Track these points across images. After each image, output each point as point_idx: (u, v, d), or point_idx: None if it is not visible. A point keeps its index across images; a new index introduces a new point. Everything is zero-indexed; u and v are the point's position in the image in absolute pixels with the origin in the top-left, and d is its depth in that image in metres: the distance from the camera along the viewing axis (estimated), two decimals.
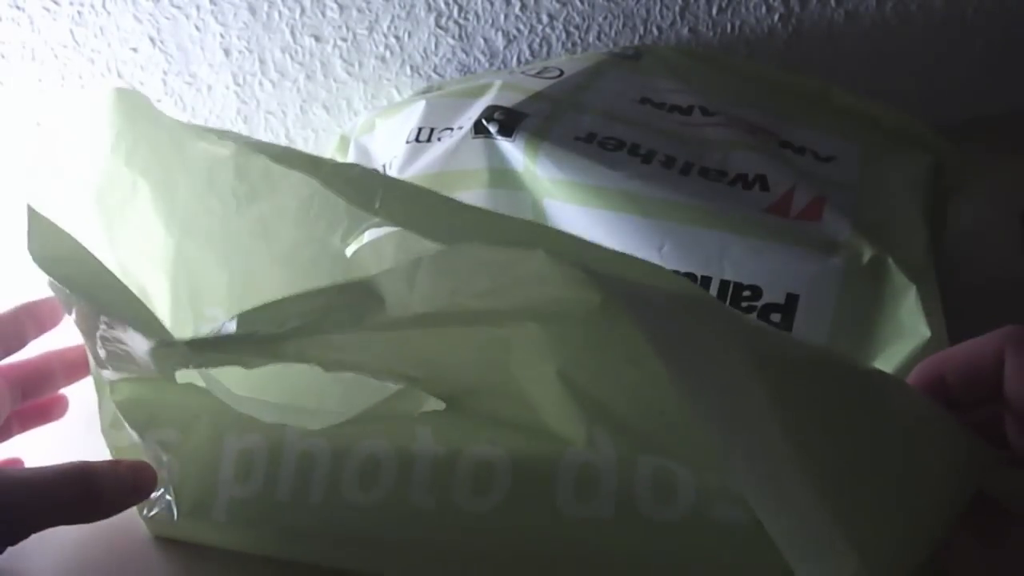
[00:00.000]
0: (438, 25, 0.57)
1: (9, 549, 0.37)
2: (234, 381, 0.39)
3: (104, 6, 0.53)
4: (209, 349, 0.32)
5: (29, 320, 0.43)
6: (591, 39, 0.58)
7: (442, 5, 0.56)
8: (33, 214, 0.37)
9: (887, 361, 0.37)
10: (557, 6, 0.57)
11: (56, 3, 0.53)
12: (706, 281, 0.40)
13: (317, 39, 0.56)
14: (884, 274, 0.37)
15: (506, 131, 0.44)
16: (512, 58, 0.58)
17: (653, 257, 0.40)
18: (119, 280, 0.36)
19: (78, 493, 0.37)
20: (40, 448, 0.47)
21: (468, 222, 0.32)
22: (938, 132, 0.48)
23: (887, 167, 0.45)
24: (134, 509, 0.41)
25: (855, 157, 0.45)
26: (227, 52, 0.56)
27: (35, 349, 0.45)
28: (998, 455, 0.29)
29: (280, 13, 0.55)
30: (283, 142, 0.60)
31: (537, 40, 0.58)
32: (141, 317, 0.34)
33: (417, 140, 0.47)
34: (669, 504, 0.34)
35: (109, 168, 0.43)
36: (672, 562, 0.34)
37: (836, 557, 0.26)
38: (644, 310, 0.26)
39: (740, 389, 0.26)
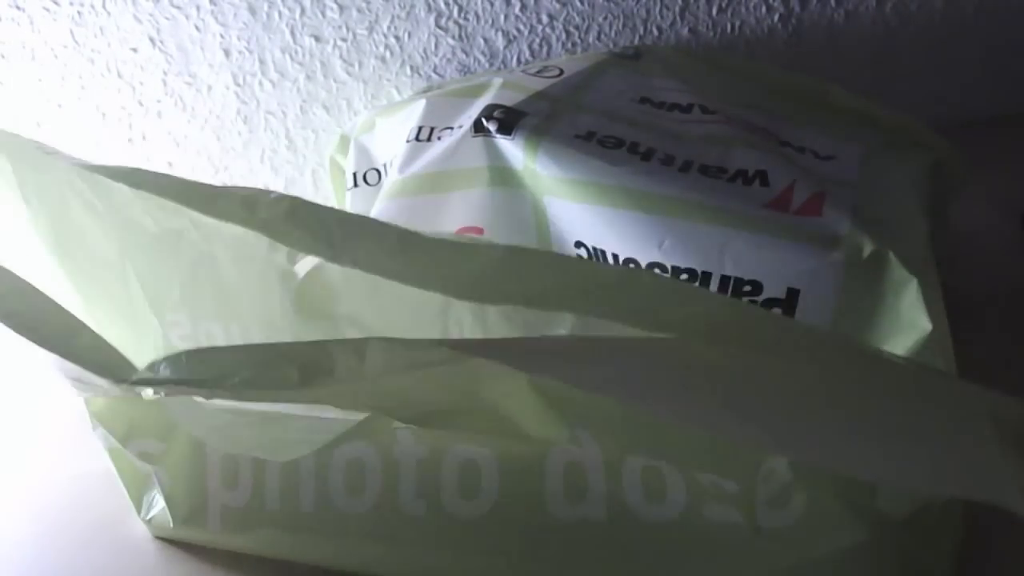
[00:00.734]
0: (438, 25, 0.57)
1: (9, 549, 0.37)
2: None
3: (104, 6, 0.53)
4: (159, 386, 0.31)
5: None
6: (591, 39, 0.58)
7: (442, 5, 0.56)
8: None
9: None
10: (557, 6, 0.57)
11: (56, 3, 0.53)
12: (707, 277, 0.40)
13: (317, 39, 0.56)
14: (885, 268, 0.37)
15: (506, 129, 0.44)
16: (512, 58, 0.58)
17: (653, 253, 0.40)
18: (63, 309, 0.35)
19: None
20: (40, 448, 0.47)
21: (429, 261, 0.31)
22: (938, 132, 0.48)
23: (887, 167, 0.45)
24: (133, 510, 0.41)
25: (855, 157, 0.45)
26: (227, 52, 0.56)
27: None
28: None
29: (280, 13, 0.55)
30: (283, 142, 0.60)
31: (537, 40, 0.58)
32: (91, 350, 0.33)
33: (417, 139, 0.47)
34: (660, 504, 0.34)
35: (38, 180, 0.41)
36: (667, 563, 0.34)
37: None
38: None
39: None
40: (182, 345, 0.41)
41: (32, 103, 0.56)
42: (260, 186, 0.50)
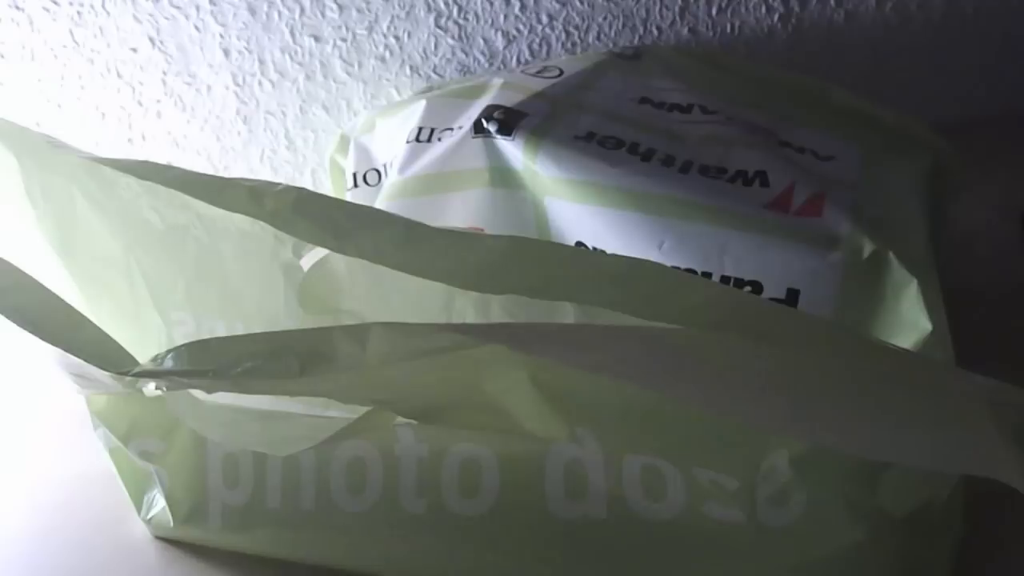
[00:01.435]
0: (438, 25, 0.57)
1: (9, 548, 0.37)
2: None
3: (104, 6, 0.53)
4: (161, 378, 0.32)
5: None
6: (591, 39, 0.58)
7: (442, 5, 0.56)
8: None
9: None
10: (557, 6, 0.57)
11: (56, 3, 0.53)
12: (706, 277, 0.40)
13: (317, 39, 0.56)
14: (885, 268, 0.37)
15: (505, 130, 0.44)
16: (512, 58, 0.58)
17: (653, 254, 0.40)
18: (65, 303, 0.35)
19: None
20: (41, 447, 0.47)
21: (434, 252, 0.31)
22: (938, 132, 0.48)
23: (887, 167, 0.45)
24: (134, 510, 0.41)
25: (855, 157, 0.45)
26: (227, 52, 0.56)
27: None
28: None
29: (280, 13, 0.55)
30: (283, 142, 0.60)
31: (537, 40, 0.58)
32: (94, 343, 0.33)
33: (418, 140, 0.47)
34: (661, 502, 0.34)
35: (44, 177, 0.41)
36: (667, 560, 0.34)
37: None
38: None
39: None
40: None
41: (32, 103, 0.56)
42: None
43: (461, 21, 0.57)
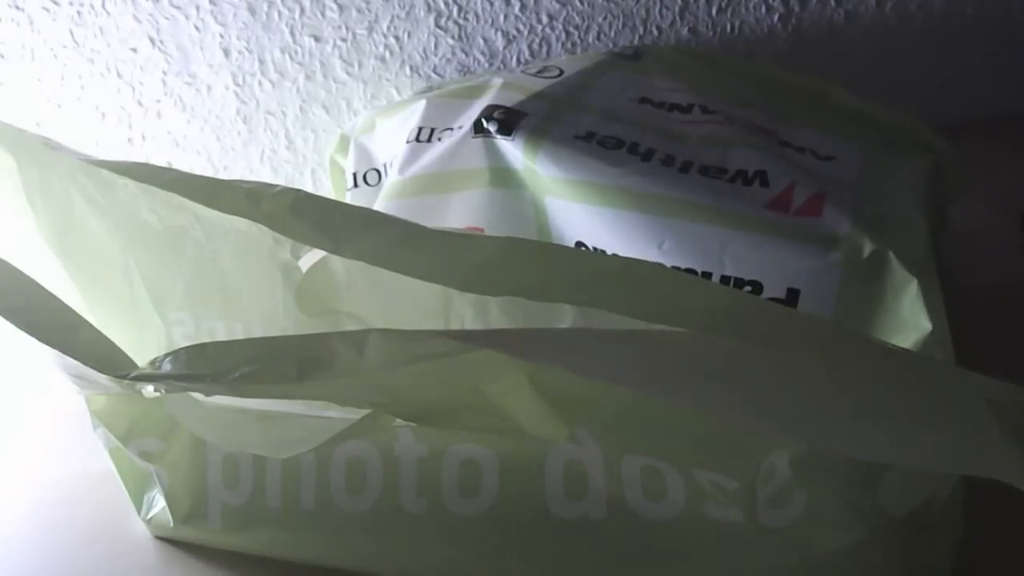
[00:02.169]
0: (438, 25, 0.57)
1: (9, 548, 0.37)
2: None
3: (104, 6, 0.53)
4: (159, 382, 0.32)
5: None
6: (591, 39, 0.58)
7: (442, 5, 0.56)
8: None
9: None
10: (557, 6, 0.57)
11: (56, 3, 0.53)
12: (707, 277, 0.40)
13: (317, 39, 0.56)
14: (885, 268, 0.37)
15: (505, 130, 0.44)
16: (512, 58, 0.58)
17: (652, 254, 0.40)
18: (64, 305, 0.35)
19: None
20: (41, 447, 0.47)
21: (432, 253, 0.31)
22: (938, 132, 0.48)
23: (887, 167, 0.45)
24: (134, 510, 0.41)
25: (855, 157, 0.45)
26: (227, 52, 0.56)
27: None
28: None
29: (280, 13, 0.55)
30: (283, 142, 0.60)
31: (537, 40, 0.58)
32: (91, 345, 0.33)
33: (418, 140, 0.47)
34: (660, 503, 0.34)
35: (43, 178, 0.41)
36: (667, 561, 0.34)
37: None
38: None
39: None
40: (185, 344, 0.41)
41: (32, 103, 0.56)
42: None
43: (461, 21, 0.57)
